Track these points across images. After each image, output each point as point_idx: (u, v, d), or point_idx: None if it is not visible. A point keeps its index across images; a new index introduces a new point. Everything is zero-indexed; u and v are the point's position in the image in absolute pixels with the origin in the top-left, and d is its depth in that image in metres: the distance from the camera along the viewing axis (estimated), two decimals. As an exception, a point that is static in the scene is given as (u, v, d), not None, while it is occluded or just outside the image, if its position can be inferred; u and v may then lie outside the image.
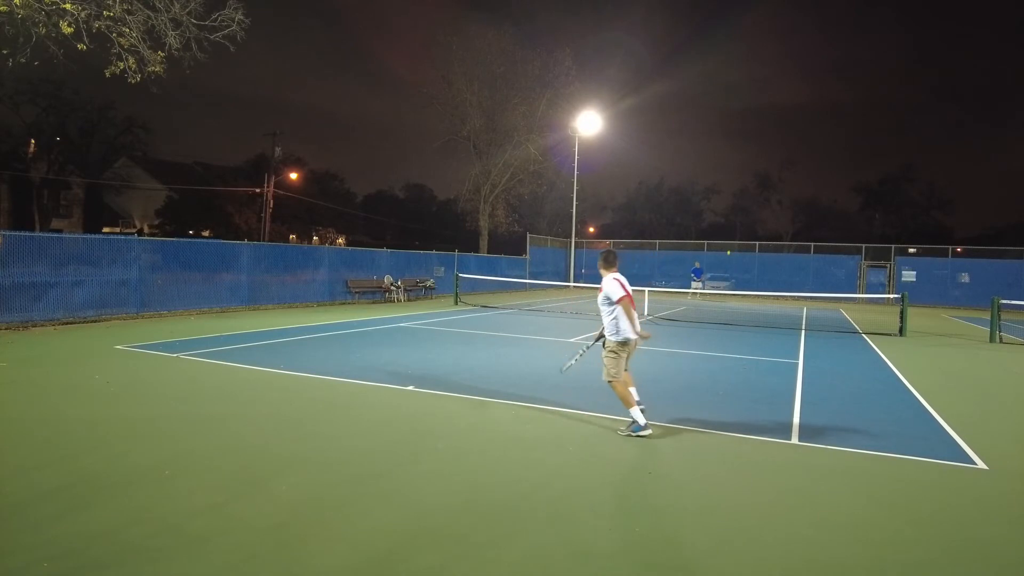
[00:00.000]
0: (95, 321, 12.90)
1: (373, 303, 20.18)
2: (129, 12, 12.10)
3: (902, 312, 15.89)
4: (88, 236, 14.65)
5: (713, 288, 29.02)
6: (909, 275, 31.00)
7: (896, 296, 20.93)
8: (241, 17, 13.31)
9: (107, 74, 12.40)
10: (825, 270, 33.44)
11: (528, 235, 35.30)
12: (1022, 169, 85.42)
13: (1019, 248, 30.02)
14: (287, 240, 43.51)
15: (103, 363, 8.52)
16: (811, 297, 30.31)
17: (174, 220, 41.35)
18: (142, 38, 12.38)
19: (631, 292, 5.82)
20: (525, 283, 29.83)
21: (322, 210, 49.93)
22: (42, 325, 11.95)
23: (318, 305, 18.55)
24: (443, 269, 25.72)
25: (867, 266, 32.42)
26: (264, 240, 33.57)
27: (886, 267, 31.98)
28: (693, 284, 29.28)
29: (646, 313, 18.91)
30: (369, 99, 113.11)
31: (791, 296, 30.76)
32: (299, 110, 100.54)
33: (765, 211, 61.18)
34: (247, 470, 4.57)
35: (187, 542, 3.42)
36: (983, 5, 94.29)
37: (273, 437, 5.39)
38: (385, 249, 23.44)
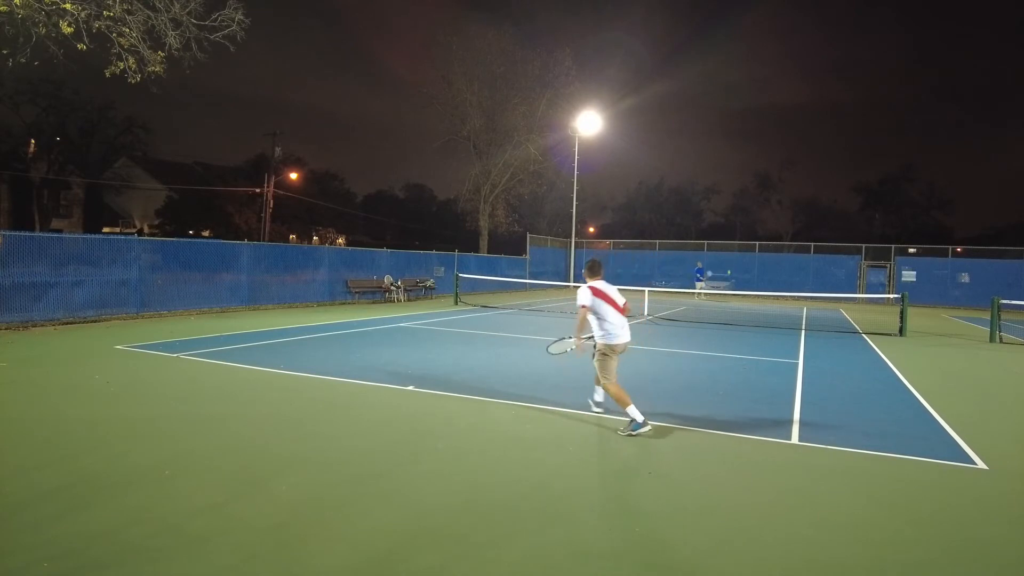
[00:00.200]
0: (95, 321, 12.90)
1: (373, 303, 20.18)
2: (129, 12, 12.10)
3: (902, 312, 15.89)
4: (88, 236, 14.65)
5: (713, 288, 29.01)
6: (909, 275, 31.00)
7: (896, 296, 20.94)
8: (241, 17, 13.32)
9: (107, 74, 12.41)
10: (825, 270, 33.43)
11: (528, 235, 35.30)
12: (1022, 169, 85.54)
13: (1019, 248, 30.02)
14: (287, 240, 43.51)
15: (103, 363, 8.52)
16: (811, 297, 30.32)
17: (174, 220, 41.35)
18: (142, 38, 12.38)
19: (612, 297, 6.08)
20: (525, 283, 29.83)
21: (322, 210, 49.93)
22: (42, 325, 11.95)
23: (318, 305, 18.55)
24: (443, 269, 25.72)
25: (867, 266, 32.42)
26: (264, 240, 33.57)
27: (886, 267, 31.99)
28: (697, 285, 29.29)
29: (646, 313, 18.91)
30: (369, 99, 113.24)
31: (791, 296, 30.76)
32: (299, 110, 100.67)
33: (765, 211, 61.31)
34: (247, 470, 4.57)
35: (187, 542, 3.42)
36: (983, 5, 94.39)
37: (273, 437, 5.39)
38: (385, 249, 23.44)
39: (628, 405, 5.77)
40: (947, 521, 4.13)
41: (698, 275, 29.70)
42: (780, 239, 52.86)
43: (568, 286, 32.14)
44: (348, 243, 53.10)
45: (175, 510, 3.83)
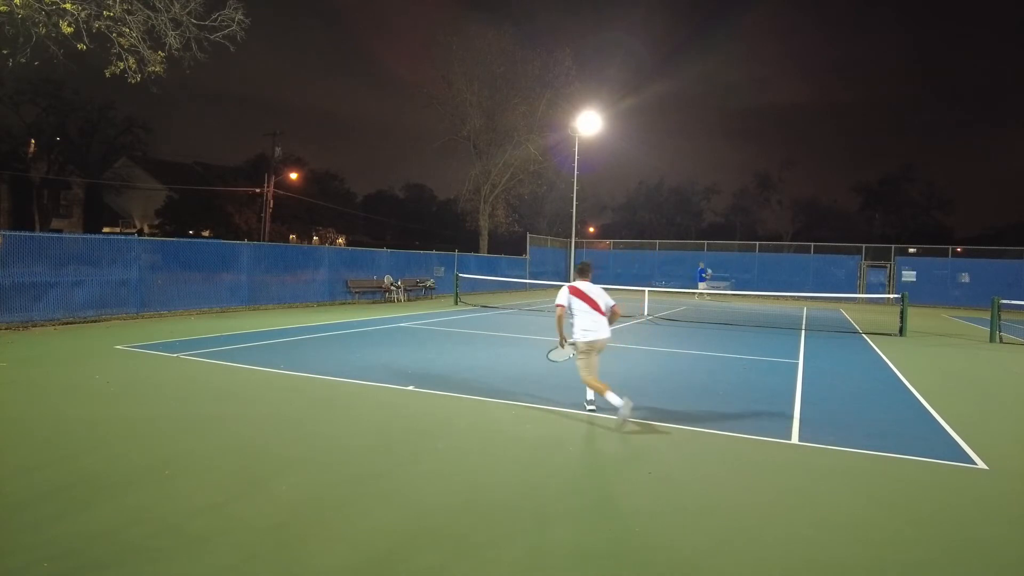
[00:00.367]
0: (95, 321, 12.90)
1: (373, 303, 20.18)
2: (129, 12, 12.10)
3: (902, 312, 15.89)
4: (88, 236, 14.65)
5: (713, 288, 29.00)
6: (909, 275, 30.99)
7: (896, 296, 20.93)
8: (241, 17, 13.31)
9: (107, 74, 12.41)
10: (825, 270, 33.41)
11: (528, 235, 35.29)
12: (1022, 169, 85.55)
13: (1019, 248, 30.01)
14: (287, 240, 43.51)
15: (103, 363, 8.52)
16: (811, 297, 30.30)
17: (174, 220, 41.34)
18: (142, 38, 12.38)
19: (592, 297, 6.28)
20: (525, 283, 29.82)
21: (322, 210, 49.92)
22: (42, 325, 11.95)
23: (318, 305, 18.55)
24: (443, 269, 25.72)
25: (867, 266, 32.41)
26: (264, 240, 33.55)
27: (886, 267, 31.97)
28: (700, 285, 29.29)
29: (646, 313, 18.91)
30: (369, 99, 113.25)
31: (791, 296, 30.75)
32: (299, 110, 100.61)
33: (765, 211, 61.33)
34: (247, 470, 4.57)
35: (187, 542, 3.42)
36: (983, 5, 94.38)
37: (273, 437, 5.39)
38: (385, 249, 23.44)
39: (606, 392, 5.96)
40: (947, 521, 4.13)
41: (701, 276, 29.68)
42: (780, 239, 52.89)
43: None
44: (348, 243, 53.10)
45: (175, 510, 3.83)
